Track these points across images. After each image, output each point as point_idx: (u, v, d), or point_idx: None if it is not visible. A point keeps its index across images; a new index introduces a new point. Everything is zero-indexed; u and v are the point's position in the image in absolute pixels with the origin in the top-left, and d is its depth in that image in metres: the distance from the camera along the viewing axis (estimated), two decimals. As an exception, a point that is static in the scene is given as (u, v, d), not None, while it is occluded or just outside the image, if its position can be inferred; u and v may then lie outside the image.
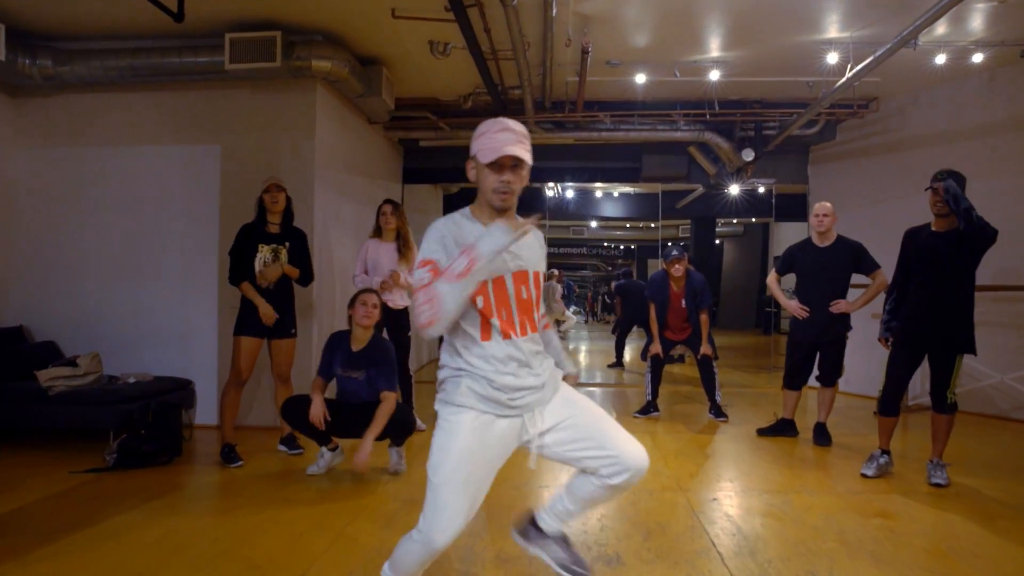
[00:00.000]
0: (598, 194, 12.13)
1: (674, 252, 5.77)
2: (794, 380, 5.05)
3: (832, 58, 5.41)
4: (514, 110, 6.92)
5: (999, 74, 5.89)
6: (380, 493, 3.75)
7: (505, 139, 1.94)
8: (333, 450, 4.11)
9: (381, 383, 3.88)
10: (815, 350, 4.94)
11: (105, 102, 5.51)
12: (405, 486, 3.88)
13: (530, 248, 2.11)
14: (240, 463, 4.27)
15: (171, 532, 3.13)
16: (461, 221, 2.03)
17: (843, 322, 4.82)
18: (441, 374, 2.09)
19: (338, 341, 4.04)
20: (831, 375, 4.91)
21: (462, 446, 1.97)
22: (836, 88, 5.42)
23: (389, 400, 3.82)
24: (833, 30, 5.19)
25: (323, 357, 4.06)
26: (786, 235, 13.91)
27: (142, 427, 4.29)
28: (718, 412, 5.80)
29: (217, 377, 5.32)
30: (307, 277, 4.56)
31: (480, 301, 1.99)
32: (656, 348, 5.94)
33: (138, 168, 5.47)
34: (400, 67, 6.01)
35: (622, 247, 20.39)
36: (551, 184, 9.69)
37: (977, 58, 5.50)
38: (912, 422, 5.77)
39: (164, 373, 5.23)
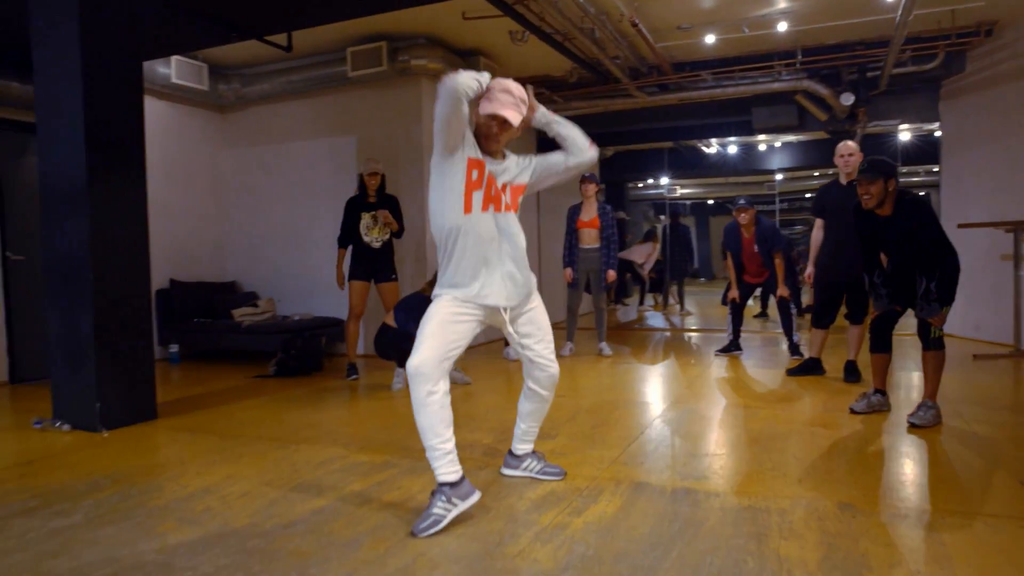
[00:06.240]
0: (761, 148, 12.07)
1: (741, 201, 6.13)
2: (821, 320, 5.21)
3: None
4: (615, 79, 7.56)
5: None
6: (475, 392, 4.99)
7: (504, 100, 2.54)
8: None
9: None
10: (841, 291, 5.04)
11: (275, 111, 7.30)
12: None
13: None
14: (356, 376, 5.72)
15: (350, 408, 4.60)
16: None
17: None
18: None
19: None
20: (859, 313, 5.03)
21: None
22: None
23: None
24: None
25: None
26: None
27: (292, 350, 5.91)
28: (795, 351, 6.11)
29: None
30: (401, 230, 5.79)
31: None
32: (734, 293, 6.39)
33: (301, 159, 7.19)
34: (497, 54, 7.02)
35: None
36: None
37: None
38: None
39: (327, 315, 6.88)
